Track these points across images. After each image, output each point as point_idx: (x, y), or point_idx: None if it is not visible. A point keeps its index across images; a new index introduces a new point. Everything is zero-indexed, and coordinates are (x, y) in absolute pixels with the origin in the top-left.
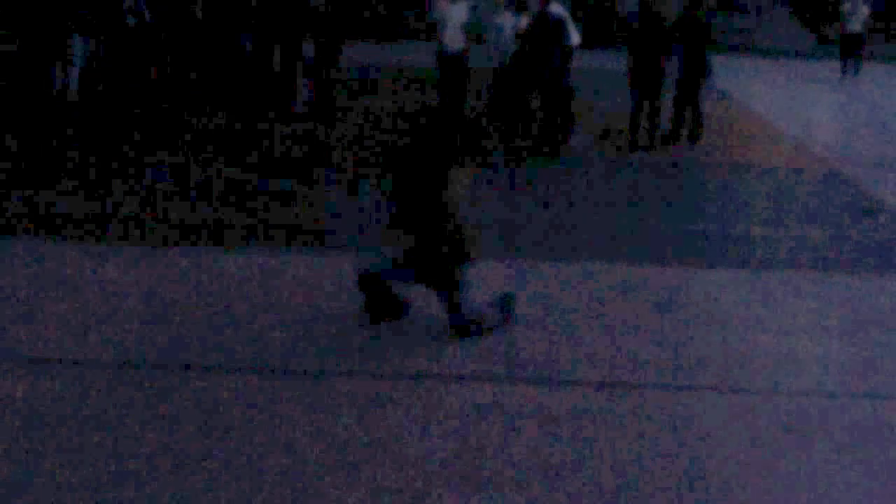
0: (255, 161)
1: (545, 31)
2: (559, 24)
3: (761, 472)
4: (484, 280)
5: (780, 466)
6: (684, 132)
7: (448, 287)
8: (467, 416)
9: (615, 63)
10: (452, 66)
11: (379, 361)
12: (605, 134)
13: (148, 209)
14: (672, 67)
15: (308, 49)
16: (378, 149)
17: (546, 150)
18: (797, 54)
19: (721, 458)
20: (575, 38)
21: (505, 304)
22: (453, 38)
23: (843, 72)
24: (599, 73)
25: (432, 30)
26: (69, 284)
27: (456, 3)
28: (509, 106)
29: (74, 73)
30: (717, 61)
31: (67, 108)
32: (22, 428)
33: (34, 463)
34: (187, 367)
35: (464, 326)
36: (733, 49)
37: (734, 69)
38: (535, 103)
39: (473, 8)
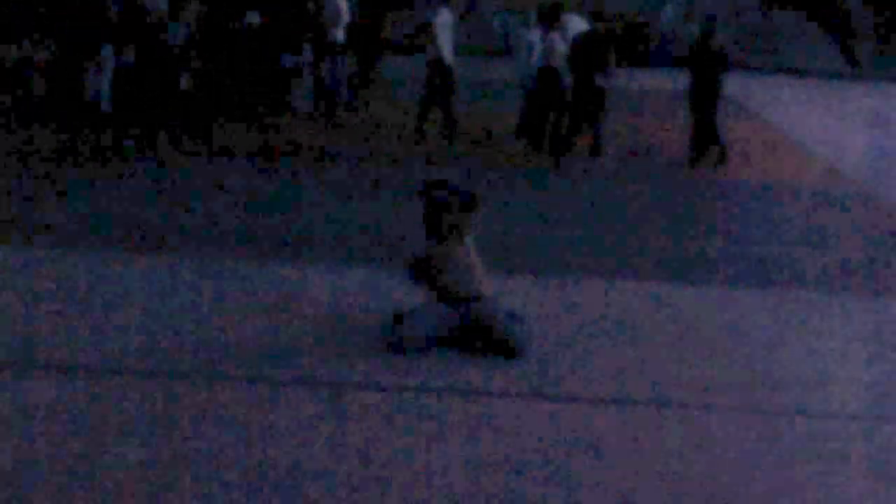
0: (276, 168)
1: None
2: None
3: (785, 495)
4: (509, 295)
5: (805, 490)
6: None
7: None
8: (486, 431)
9: (646, 81)
10: (445, 74)
11: (399, 376)
12: (634, 152)
13: (169, 217)
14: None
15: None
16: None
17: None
18: (828, 74)
19: (744, 479)
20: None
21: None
22: (446, 47)
23: None
24: (627, 91)
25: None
26: (94, 291)
27: (449, 11)
28: (541, 121)
29: (106, 82)
30: (745, 82)
31: (100, 116)
32: (53, 434)
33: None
34: (208, 376)
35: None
36: (760, 69)
37: (762, 89)
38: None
39: (502, 23)
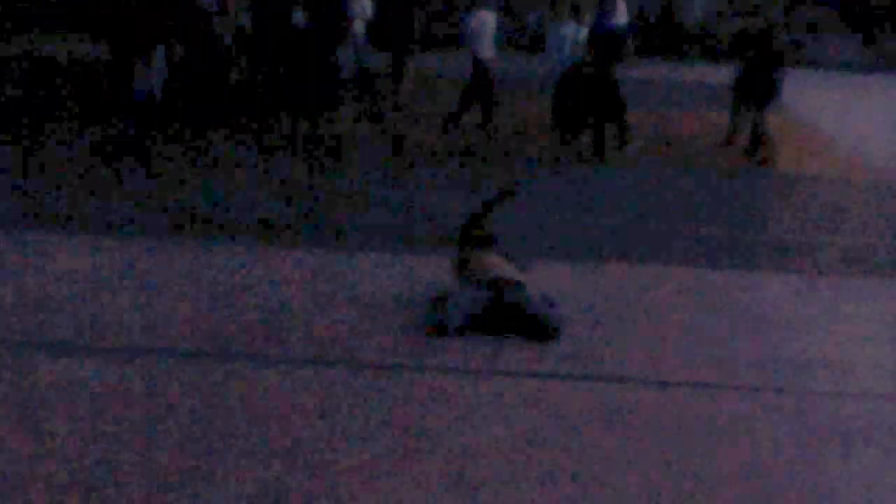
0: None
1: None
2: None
3: (810, 475)
4: (543, 280)
5: (830, 470)
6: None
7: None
8: (523, 411)
9: (676, 73)
10: (485, 73)
11: (440, 357)
12: (664, 142)
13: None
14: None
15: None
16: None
17: (597, 157)
18: (854, 67)
19: (769, 458)
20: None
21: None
22: (488, 47)
23: None
24: (656, 83)
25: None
26: (140, 274)
27: (490, 12)
28: (573, 113)
29: (159, 80)
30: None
31: (152, 112)
32: (96, 416)
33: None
34: (248, 357)
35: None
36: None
37: (790, 82)
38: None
39: (537, 19)
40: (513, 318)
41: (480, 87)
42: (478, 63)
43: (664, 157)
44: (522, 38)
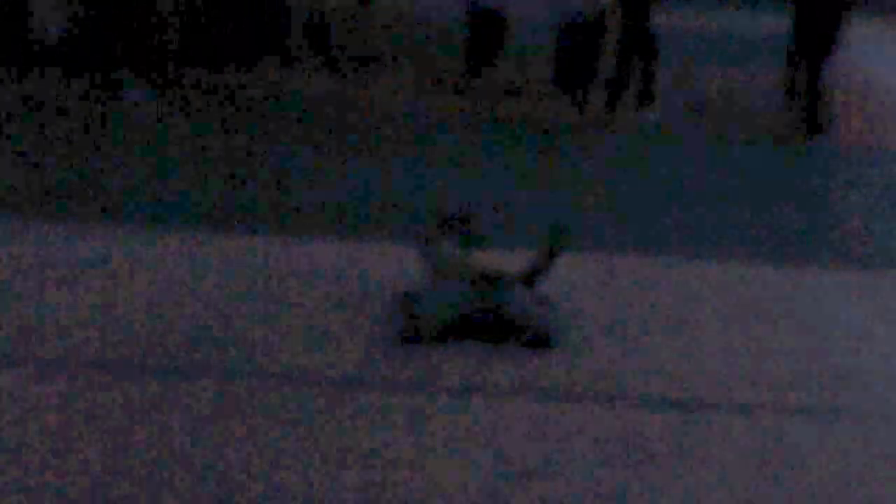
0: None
1: None
2: None
3: None
4: (554, 274)
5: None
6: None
7: None
8: (514, 437)
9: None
10: (488, 21)
11: (416, 371)
12: (695, 106)
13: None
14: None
15: None
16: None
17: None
18: None
19: (817, 494)
20: None
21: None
22: None
23: None
24: (689, 33)
25: None
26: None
27: None
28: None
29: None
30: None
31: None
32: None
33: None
34: (195, 369)
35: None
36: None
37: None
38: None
39: None
40: (500, 324)
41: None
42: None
43: (695, 125)
44: None
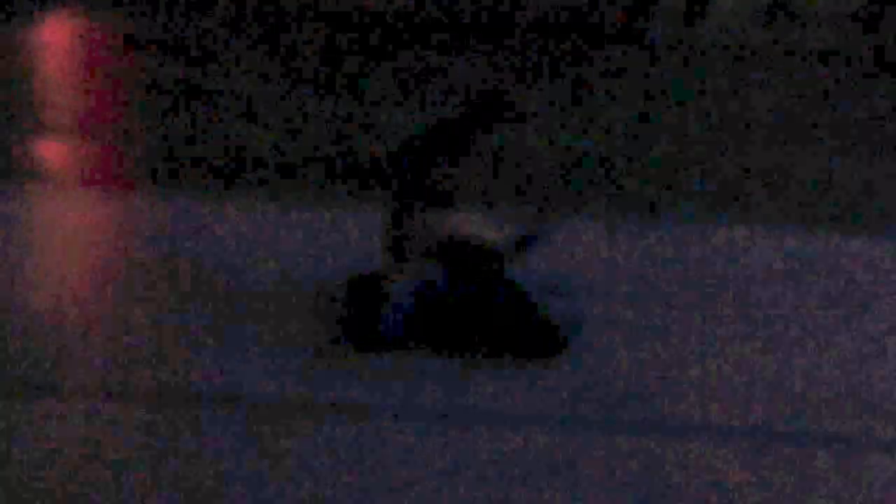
0: None
1: None
2: None
3: None
4: (550, 252)
5: None
6: None
7: None
8: (502, 467)
9: None
10: None
11: (363, 388)
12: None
13: None
14: None
15: None
16: None
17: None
18: None
19: None
20: None
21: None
22: None
23: None
24: None
25: None
26: None
27: None
28: None
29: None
30: None
31: None
32: None
33: None
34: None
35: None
36: None
37: None
38: None
39: None
40: (493, 323)
41: None
42: None
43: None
44: None
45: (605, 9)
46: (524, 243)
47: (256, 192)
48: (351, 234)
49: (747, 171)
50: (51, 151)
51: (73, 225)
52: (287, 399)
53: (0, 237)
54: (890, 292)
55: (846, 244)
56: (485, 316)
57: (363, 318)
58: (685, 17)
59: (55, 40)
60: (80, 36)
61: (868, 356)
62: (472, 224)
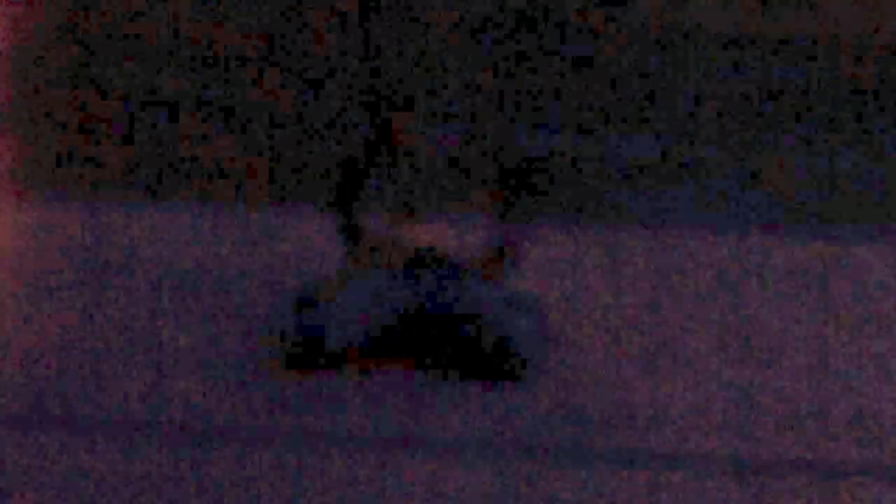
0: None
1: None
2: None
3: None
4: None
5: None
6: None
7: None
8: (459, 498)
9: None
10: None
11: (303, 414)
12: None
13: None
14: None
15: None
16: None
17: None
18: None
19: None
20: None
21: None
22: None
23: None
24: None
25: None
26: None
27: None
28: None
29: None
30: None
31: None
32: None
33: None
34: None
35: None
36: None
37: None
38: None
39: None
40: (448, 335)
41: None
42: None
43: None
44: None
45: None
46: (499, 255)
47: (187, 194)
48: (299, 239)
49: (737, 171)
50: None
51: None
52: (221, 425)
53: None
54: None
55: (846, 249)
56: (444, 333)
57: (310, 334)
58: None
59: None
60: None
61: (873, 377)
62: (435, 233)
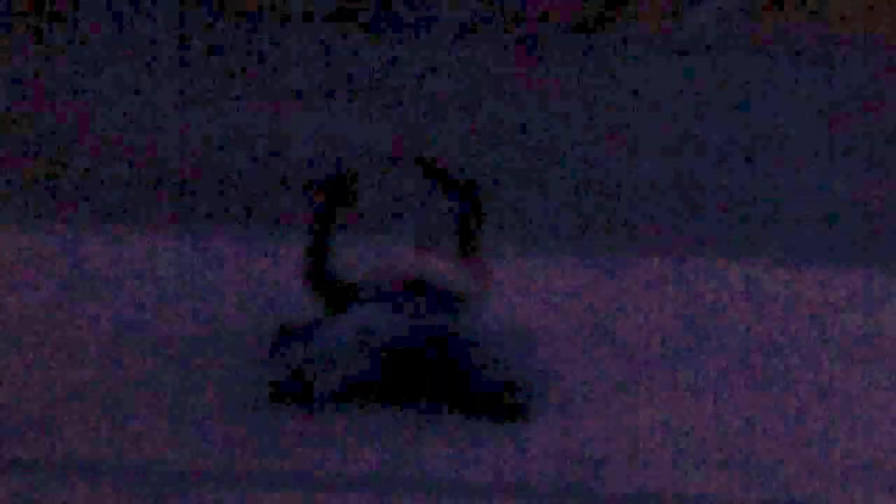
0: None
1: None
2: None
3: None
4: (516, 292)
5: None
6: None
7: None
8: None
9: None
10: None
11: (314, 458)
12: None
13: None
14: None
15: None
16: None
17: None
18: None
19: None
20: None
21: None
22: None
23: None
24: None
25: None
26: None
27: None
28: None
29: None
30: None
31: None
32: None
33: None
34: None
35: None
36: None
37: None
38: None
39: None
40: (442, 374)
41: None
42: None
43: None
44: None
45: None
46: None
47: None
48: (278, 269)
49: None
50: None
51: None
52: (201, 468)
53: None
54: None
55: (851, 280)
56: (437, 371)
57: (293, 373)
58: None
59: None
60: None
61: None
62: (433, 263)
